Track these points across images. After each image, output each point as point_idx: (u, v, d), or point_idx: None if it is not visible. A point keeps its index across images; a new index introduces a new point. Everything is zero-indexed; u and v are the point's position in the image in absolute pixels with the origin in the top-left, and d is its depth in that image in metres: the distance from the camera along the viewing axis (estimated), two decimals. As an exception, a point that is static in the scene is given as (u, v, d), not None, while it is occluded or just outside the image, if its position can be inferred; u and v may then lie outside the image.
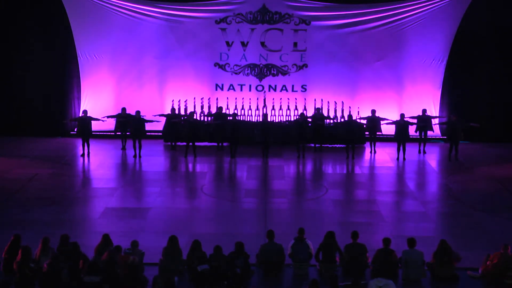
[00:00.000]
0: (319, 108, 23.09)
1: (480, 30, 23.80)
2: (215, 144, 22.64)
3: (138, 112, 21.71)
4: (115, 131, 22.56)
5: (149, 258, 12.87)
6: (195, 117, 22.10)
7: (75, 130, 22.93)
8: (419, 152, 22.51)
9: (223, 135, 22.10)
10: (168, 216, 15.91)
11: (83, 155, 21.48)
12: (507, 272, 12.26)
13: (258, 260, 12.67)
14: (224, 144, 22.51)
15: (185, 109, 23.59)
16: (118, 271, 11.62)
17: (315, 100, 23.91)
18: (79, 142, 22.11)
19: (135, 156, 21.50)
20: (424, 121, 22.36)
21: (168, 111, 23.11)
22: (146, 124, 21.83)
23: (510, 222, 15.85)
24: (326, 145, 22.75)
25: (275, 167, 20.69)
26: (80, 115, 22.18)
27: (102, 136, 23.38)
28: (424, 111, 22.60)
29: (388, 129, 22.93)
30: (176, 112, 22.95)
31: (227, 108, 23.84)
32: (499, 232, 15.14)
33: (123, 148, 22.39)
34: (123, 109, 22.36)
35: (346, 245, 12.81)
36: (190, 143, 21.34)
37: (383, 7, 23.63)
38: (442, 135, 24.13)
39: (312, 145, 22.66)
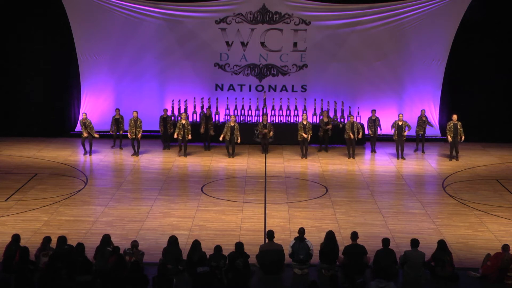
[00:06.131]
0: (326, 111, 23.10)
1: (480, 30, 23.81)
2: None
3: (135, 113, 21.94)
4: (111, 129, 22.65)
5: (149, 258, 12.91)
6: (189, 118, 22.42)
7: (78, 129, 22.96)
8: (416, 150, 22.51)
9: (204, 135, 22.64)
10: (167, 216, 15.90)
11: (85, 153, 21.67)
12: (507, 272, 12.28)
13: (258, 261, 12.66)
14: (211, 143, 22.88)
15: (185, 109, 23.62)
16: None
17: (315, 100, 23.94)
18: (80, 142, 22.12)
19: (133, 155, 21.66)
20: (422, 121, 22.38)
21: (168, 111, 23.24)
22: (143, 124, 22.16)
23: (510, 222, 15.85)
24: (331, 145, 22.88)
25: (275, 167, 20.72)
26: (81, 118, 22.13)
27: (102, 136, 23.37)
28: (423, 111, 22.60)
29: (387, 129, 22.87)
30: (169, 112, 23.05)
31: (227, 109, 23.86)
32: (499, 232, 15.15)
33: (115, 146, 22.69)
34: (117, 110, 22.46)
35: (346, 246, 12.81)
36: (182, 143, 21.77)
37: (383, 7, 23.63)
38: (442, 135, 24.13)
39: (315, 145, 22.76)
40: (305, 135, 21.74)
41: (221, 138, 21.91)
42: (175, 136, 21.81)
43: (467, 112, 23.83)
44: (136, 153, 21.80)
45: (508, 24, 23.82)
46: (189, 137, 21.74)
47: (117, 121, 22.39)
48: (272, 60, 24.14)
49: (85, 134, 21.63)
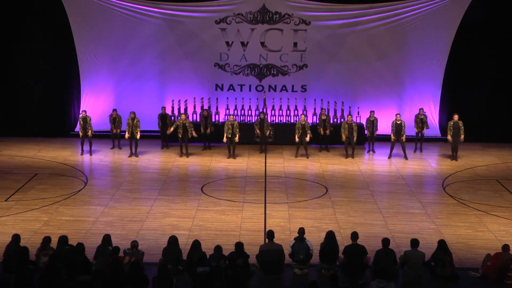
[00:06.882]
0: (323, 109, 23.11)
1: (480, 30, 23.81)
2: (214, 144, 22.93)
3: (133, 113, 21.87)
4: (111, 130, 22.63)
5: (149, 258, 12.91)
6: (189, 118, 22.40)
7: (77, 129, 22.94)
8: (415, 150, 22.50)
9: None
10: (167, 216, 15.90)
11: (82, 153, 21.67)
12: (507, 272, 12.28)
13: (258, 261, 12.66)
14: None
15: (185, 109, 23.62)
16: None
17: (315, 100, 23.94)
18: (79, 142, 22.11)
19: (130, 155, 21.61)
20: (421, 119, 22.37)
21: (168, 111, 23.26)
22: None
23: (510, 222, 15.85)
24: (331, 145, 22.85)
25: (275, 167, 20.72)
26: (80, 115, 22.14)
27: (101, 136, 23.38)
28: (421, 110, 22.57)
29: (387, 130, 22.83)
30: (168, 111, 23.08)
31: (227, 109, 23.85)
32: (499, 232, 15.15)
33: (114, 147, 22.60)
34: (115, 110, 22.43)
35: (346, 246, 12.81)
36: (183, 143, 21.76)
37: (383, 7, 23.62)
38: (442, 135, 24.12)
39: (315, 145, 22.77)
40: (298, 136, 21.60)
41: (224, 140, 21.75)
42: (169, 131, 21.68)
43: (467, 112, 23.81)
44: (134, 154, 21.70)
45: (508, 24, 23.82)
46: (194, 134, 21.66)
47: (114, 120, 22.33)
48: (272, 60, 24.14)
49: (81, 133, 21.60)
